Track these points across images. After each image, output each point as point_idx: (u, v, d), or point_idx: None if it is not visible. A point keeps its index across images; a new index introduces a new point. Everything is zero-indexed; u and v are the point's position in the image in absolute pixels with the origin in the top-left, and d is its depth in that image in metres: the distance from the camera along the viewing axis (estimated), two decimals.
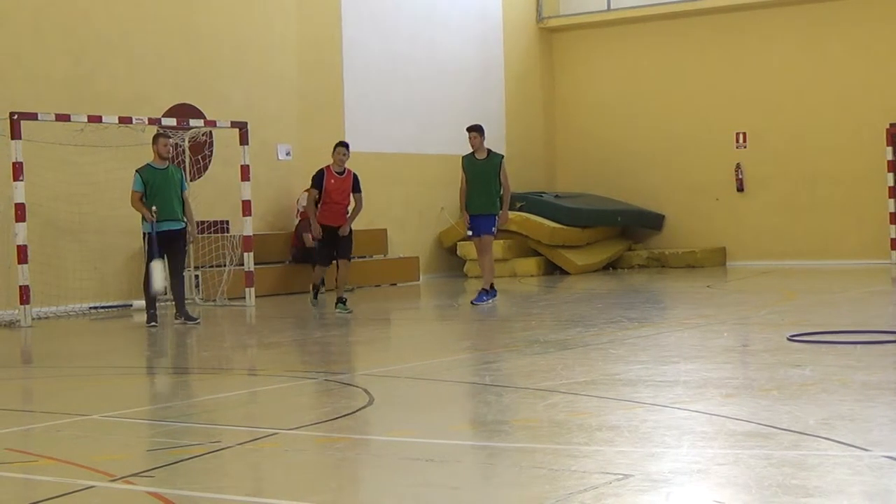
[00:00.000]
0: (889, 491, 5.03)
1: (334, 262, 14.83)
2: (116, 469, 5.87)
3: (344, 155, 14.57)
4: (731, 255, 22.69)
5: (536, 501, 5.06)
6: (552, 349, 10.31)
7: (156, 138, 14.05)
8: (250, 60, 18.73)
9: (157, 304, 13.87)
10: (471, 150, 15.18)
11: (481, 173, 15.05)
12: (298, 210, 18.72)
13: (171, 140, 14.39)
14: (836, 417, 6.62)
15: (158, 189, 13.58)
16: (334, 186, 14.48)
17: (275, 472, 5.92)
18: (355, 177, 14.70)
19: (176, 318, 13.94)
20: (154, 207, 13.45)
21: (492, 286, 15.18)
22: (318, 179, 14.50)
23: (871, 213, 21.23)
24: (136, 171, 13.75)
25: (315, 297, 15.26)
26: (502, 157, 15.32)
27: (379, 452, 6.34)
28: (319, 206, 14.49)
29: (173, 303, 14.23)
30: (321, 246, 14.82)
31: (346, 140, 16.26)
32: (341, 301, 14.61)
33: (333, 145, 14.84)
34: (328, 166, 14.59)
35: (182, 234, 13.83)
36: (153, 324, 13.58)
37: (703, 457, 5.81)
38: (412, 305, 17.07)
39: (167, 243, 13.62)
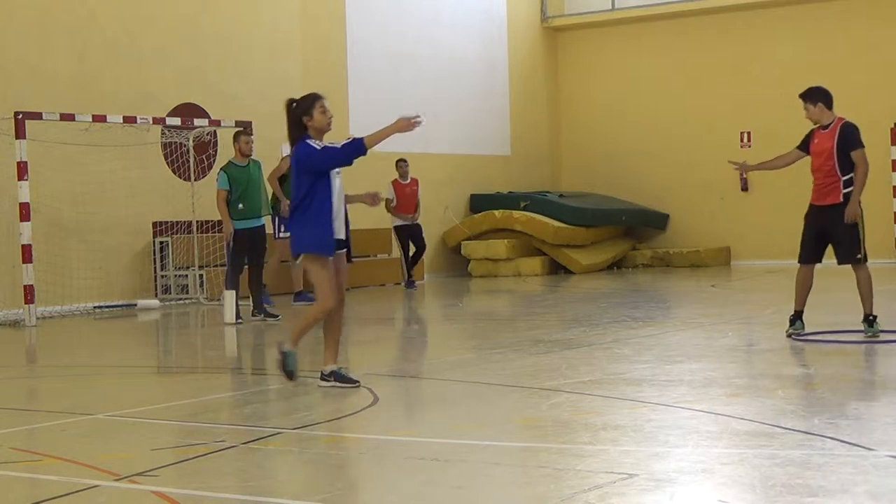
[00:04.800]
0: (894, 490, 5.03)
1: None
2: (121, 468, 5.87)
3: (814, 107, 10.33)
4: (735, 254, 22.67)
5: (541, 501, 5.06)
6: (556, 348, 10.31)
7: (237, 136, 13.83)
8: (255, 60, 18.74)
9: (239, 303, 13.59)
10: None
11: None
12: None
13: (252, 137, 14.06)
14: (841, 417, 6.61)
15: (244, 187, 13.44)
16: (818, 148, 10.33)
17: (279, 472, 5.92)
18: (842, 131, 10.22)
19: (254, 315, 13.71)
20: (241, 206, 13.38)
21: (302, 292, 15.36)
22: (803, 140, 10.51)
23: (875, 213, 21.00)
24: (222, 169, 13.65)
25: (793, 324, 10.36)
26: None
27: (383, 452, 6.34)
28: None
29: (251, 300, 13.90)
30: (810, 239, 10.82)
31: None
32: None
33: (802, 95, 10.56)
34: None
35: (263, 230, 13.71)
36: (239, 321, 13.39)
37: (708, 456, 5.81)
38: (416, 305, 17.06)
39: (250, 240, 13.47)
